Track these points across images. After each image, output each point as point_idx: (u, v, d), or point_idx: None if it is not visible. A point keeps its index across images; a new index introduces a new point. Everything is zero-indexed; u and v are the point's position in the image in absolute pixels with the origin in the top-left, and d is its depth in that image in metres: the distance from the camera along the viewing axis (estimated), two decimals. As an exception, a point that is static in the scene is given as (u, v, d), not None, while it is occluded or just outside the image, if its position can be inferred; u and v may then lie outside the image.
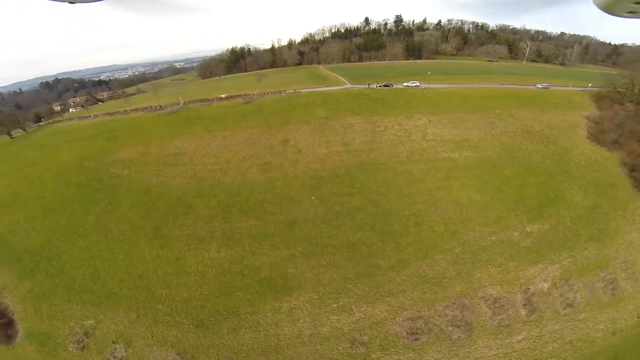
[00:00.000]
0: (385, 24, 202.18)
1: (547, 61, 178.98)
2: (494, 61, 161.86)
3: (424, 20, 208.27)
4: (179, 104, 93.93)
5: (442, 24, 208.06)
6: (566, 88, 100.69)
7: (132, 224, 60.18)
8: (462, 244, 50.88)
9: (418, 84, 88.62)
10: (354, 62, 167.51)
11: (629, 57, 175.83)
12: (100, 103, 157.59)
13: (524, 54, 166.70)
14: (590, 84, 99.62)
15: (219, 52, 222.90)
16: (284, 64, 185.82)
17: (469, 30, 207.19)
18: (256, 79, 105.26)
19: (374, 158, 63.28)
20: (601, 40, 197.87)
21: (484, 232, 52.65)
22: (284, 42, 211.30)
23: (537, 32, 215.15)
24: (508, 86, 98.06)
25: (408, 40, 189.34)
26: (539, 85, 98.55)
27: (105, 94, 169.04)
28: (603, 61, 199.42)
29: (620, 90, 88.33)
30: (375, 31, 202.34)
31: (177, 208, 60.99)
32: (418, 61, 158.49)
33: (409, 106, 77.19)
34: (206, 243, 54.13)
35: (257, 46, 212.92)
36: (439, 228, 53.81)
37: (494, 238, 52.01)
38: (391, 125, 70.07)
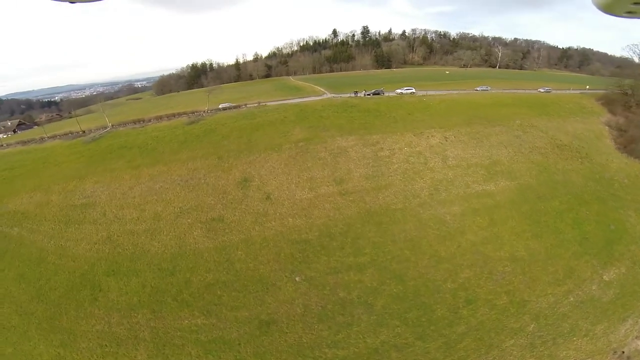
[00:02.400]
0: (353, 35, 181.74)
1: (507, 66, 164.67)
2: (467, 67, 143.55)
3: (390, 31, 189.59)
4: (105, 128, 64.38)
5: (407, 33, 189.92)
6: (567, 91, 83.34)
7: (20, 306, 34.45)
8: (535, 317, 31.23)
9: (414, 90, 65.09)
10: (326, 73, 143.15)
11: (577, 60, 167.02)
12: (35, 127, 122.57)
13: (496, 59, 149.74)
14: (587, 87, 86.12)
15: (180, 69, 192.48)
16: (250, 78, 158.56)
17: (432, 40, 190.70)
18: (206, 92, 77.66)
19: (384, 201, 38.14)
20: (551, 44, 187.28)
21: (558, 294, 33.12)
22: (250, 57, 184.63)
23: (494, 38, 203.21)
24: (510, 91, 77.55)
25: (377, 51, 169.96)
26: (541, 90, 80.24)
27: (43, 117, 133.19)
28: (556, 64, 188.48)
29: (628, 92, 73.89)
30: (344, 43, 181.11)
31: (81, 289, 34.69)
32: (395, 70, 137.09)
33: (413, 119, 52.89)
34: (129, 347, 29.30)
35: (220, 62, 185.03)
36: (501, 301, 31.94)
37: (571, 299, 33.29)
38: (398, 147, 45.22)
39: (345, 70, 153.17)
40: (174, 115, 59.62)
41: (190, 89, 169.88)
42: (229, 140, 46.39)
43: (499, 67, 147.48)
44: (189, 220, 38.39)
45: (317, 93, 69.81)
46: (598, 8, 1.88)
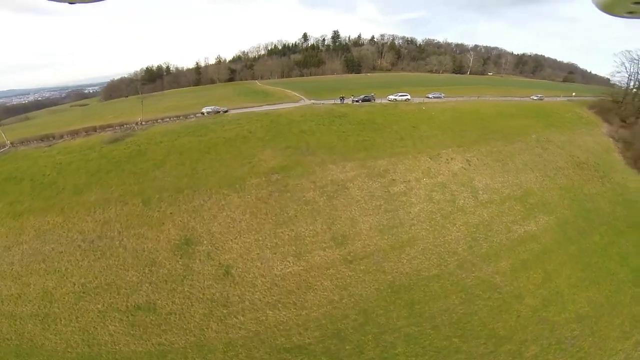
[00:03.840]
0: (324, 40, 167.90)
1: (470, 72, 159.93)
2: (439, 73, 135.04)
3: (359, 36, 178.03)
4: (3, 147, 44.22)
5: (375, 39, 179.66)
6: (557, 99, 75.10)
7: None
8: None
9: (409, 97, 51.47)
10: (296, 77, 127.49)
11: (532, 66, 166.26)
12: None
13: (467, 65, 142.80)
14: (574, 94, 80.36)
15: (134, 72, 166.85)
16: (211, 83, 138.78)
17: (400, 45, 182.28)
18: (138, 99, 59.25)
19: (411, 267, 24.60)
20: (508, 50, 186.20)
21: (628, 349, 23.88)
22: (212, 61, 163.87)
23: (457, 45, 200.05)
24: (505, 99, 66.96)
25: (347, 56, 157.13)
26: (534, 97, 71.84)
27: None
28: (513, 70, 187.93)
29: (619, 100, 68.77)
30: (314, 47, 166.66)
31: None
32: (369, 74, 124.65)
33: (421, 134, 39.16)
34: None
35: (179, 65, 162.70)
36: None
37: (640, 352, 21.70)
38: (415, 177, 31.29)
39: (315, 75, 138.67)
40: (94, 129, 40.83)
41: (144, 93, 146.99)
42: (164, 171, 29.41)
43: (469, 73, 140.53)
44: (98, 306, 21.64)
45: (292, 99, 54.05)
46: (598, 8, 1.78)
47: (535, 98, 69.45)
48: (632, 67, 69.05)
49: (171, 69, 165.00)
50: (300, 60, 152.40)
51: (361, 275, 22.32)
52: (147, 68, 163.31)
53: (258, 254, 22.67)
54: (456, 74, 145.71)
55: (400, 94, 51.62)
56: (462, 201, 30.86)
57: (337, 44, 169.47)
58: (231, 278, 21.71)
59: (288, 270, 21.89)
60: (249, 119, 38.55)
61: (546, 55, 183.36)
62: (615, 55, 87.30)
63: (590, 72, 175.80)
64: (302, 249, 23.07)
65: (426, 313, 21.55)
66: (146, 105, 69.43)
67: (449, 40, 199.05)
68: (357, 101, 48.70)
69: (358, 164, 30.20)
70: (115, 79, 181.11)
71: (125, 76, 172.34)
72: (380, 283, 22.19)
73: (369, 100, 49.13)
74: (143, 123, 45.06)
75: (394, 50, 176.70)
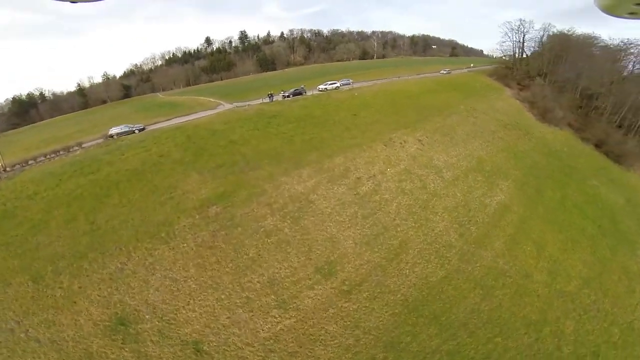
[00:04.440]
0: (230, 42, 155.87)
1: (372, 57, 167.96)
2: (350, 60, 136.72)
3: (268, 34, 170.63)
4: None
5: (285, 35, 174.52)
6: (461, 71, 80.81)
7: None
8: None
9: (339, 84, 47.32)
10: (206, 84, 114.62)
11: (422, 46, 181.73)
12: None
13: (373, 50, 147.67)
14: (472, 65, 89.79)
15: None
16: (102, 104, 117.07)
17: (309, 39, 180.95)
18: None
19: (416, 277, 20.15)
20: (401, 33, 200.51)
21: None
22: (98, 79, 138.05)
23: (358, 33, 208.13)
24: (418, 77, 68.42)
25: (259, 55, 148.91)
26: (443, 72, 74.94)
27: None
28: (406, 51, 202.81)
29: (510, 67, 77.61)
30: (221, 51, 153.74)
31: None
32: (286, 70, 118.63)
33: (366, 121, 35.20)
34: None
35: (58, 90, 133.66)
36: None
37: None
38: (378, 169, 27.05)
39: (227, 79, 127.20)
40: None
41: (15, 128, 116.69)
42: (49, 234, 19.35)
43: (375, 58, 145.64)
44: None
45: (207, 106, 44.88)
46: (600, 9, 1.77)
47: (444, 72, 72.71)
48: (514, 36, 77.40)
49: (47, 95, 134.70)
50: (207, 65, 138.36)
51: (367, 304, 16.88)
52: (13, 98, 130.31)
53: (229, 317, 15.32)
54: (362, 59, 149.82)
55: (329, 82, 46.98)
56: (432, 185, 27.62)
57: (246, 44, 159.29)
58: (208, 357, 14.03)
59: (278, 328, 15.19)
60: (156, 139, 28.99)
61: (431, 35, 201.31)
62: (499, 27, 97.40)
63: (467, 46, 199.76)
64: (285, 295, 16.49)
65: (455, 322, 17.28)
66: (14, 143, 52.46)
67: (351, 29, 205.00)
68: (287, 96, 42.24)
69: (314, 168, 24.27)
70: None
71: None
72: (392, 306, 17.10)
73: (300, 94, 43.20)
74: (7, 170, 31.69)
75: (304, 44, 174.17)
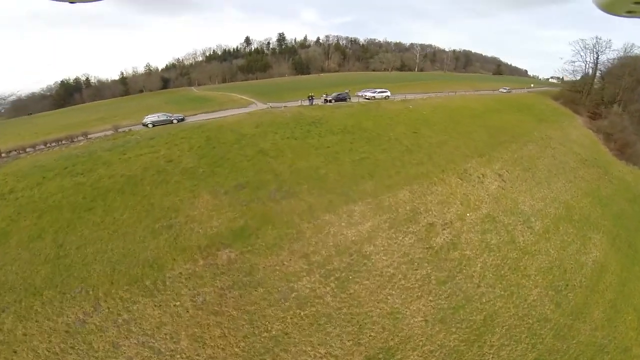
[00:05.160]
0: (268, 43, 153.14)
1: (412, 69, 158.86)
2: (388, 71, 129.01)
3: (305, 38, 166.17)
4: None
5: (321, 40, 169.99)
6: (522, 91, 71.37)
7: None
8: None
9: (389, 93, 39.98)
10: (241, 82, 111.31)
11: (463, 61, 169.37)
12: None
13: (414, 62, 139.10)
14: (532, 85, 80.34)
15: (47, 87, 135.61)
16: (140, 93, 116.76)
17: (345, 46, 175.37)
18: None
19: None
20: (441, 47, 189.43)
21: None
22: (141, 70, 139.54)
23: (395, 44, 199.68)
24: (476, 93, 59.91)
25: (295, 58, 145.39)
26: (502, 90, 63.89)
27: None
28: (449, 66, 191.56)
29: (580, 90, 65.79)
30: (259, 51, 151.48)
31: None
32: (322, 75, 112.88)
33: (430, 142, 27.62)
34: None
35: (102, 77, 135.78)
36: None
37: None
38: (455, 213, 18.83)
39: (262, 79, 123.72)
40: None
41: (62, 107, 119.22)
42: (6, 253, 13.50)
43: (417, 70, 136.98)
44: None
45: (239, 103, 39.02)
46: (598, 7, 1.76)
47: (505, 91, 63.20)
48: (588, 56, 66.68)
49: (92, 81, 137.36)
50: (244, 65, 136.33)
51: None
52: (62, 82, 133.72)
53: None
54: (400, 71, 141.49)
55: (379, 90, 39.75)
56: (522, 238, 19.70)
57: (283, 47, 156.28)
58: None
59: None
60: (169, 138, 22.99)
61: (473, 51, 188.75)
62: (570, 44, 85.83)
63: (511, 65, 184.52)
64: None
65: None
66: (38, 125, 49.24)
67: (389, 40, 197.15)
68: (329, 101, 35.47)
69: (370, 205, 17.01)
70: (23, 95, 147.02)
71: (36, 92, 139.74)
72: None
73: (344, 100, 36.33)
74: (2, 156, 26.96)
75: (339, 51, 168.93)
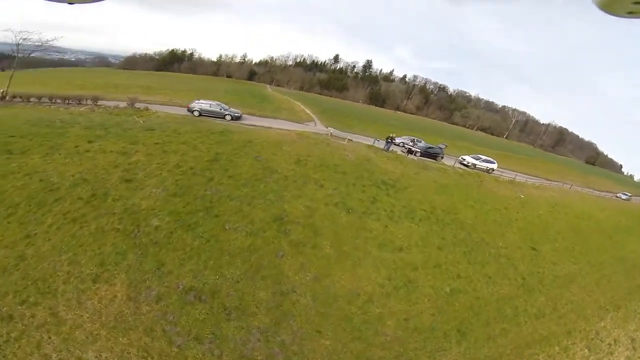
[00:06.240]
0: (354, 66, 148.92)
1: (492, 133, 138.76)
2: (473, 129, 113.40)
3: (391, 72, 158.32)
4: None
5: (407, 78, 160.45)
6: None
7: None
8: None
9: (495, 166, 28.27)
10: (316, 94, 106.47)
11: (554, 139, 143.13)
12: None
13: (507, 127, 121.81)
14: None
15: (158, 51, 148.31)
16: (227, 77, 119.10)
17: (431, 91, 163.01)
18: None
19: None
20: (535, 118, 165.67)
21: None
22: (237, 59, 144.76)
23: (486, 102, 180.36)
24: (594, 194, 44.76)
25: (374, 88, 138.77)
26: (621, 196, 47.70)
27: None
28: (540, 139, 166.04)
29: None
30: (342, 71, 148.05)
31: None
32: (399, 112, 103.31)
33: (555, 275, 15.55)
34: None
35: (203, 55, 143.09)
36: None
37: None
38: None
39: (336, 98, 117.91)
40: None
41: (161, 70, 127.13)
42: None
43: (506, 137, 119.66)
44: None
45: (298, 116, 30.71)
46: (598, 7, 1.62)
47: (624, 197, 47.03)
48: None
49: (194, 55, 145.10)
50: (324, 79, 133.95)
51: None
52: (172, 50, 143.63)
53: None
54: (484, 131, 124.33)
55: (483, 157, 28.40)
56: None
57: (367, 74, 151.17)
58: None
59: None
60: (164, 136, 14.87)
61: (569, 130, 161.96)
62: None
63: (607, 155, 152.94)
64: None
65: None
66: (91, 79, 46.54)
67: (480, 96, 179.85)
68: (413, 152, 25.28)
69: None
70: (138, 53, 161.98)
71: (149, 53, 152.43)
72: None
73: (434, 156, 25.89)
74: (6, 98, 21.59)
75: (423, 94, 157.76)
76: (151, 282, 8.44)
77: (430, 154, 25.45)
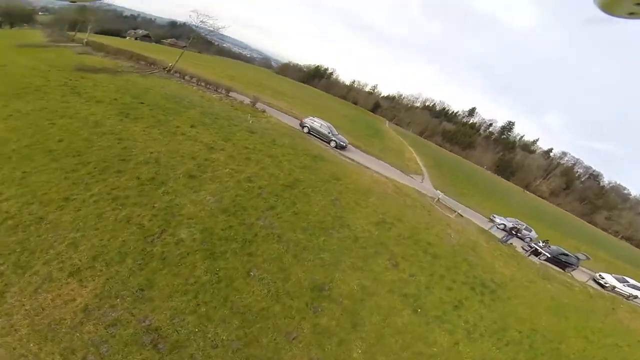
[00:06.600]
0: (490, 124, 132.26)
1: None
2: (616, 236, 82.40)
3: (535, 141, 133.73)
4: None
5: (552, 153, 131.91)
6: None
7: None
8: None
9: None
10: (435, 144, 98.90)
11: None
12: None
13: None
14: None
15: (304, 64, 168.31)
16: (355, 102, 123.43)
17: (578, 176, 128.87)
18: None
19: None
20: None
21: None
22: (368, 88, 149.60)
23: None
24: None
25: (506, 155, 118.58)
26: None
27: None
28: None
29: None
30: (474, 126, 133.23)
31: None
32: (527, 192, 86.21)
33: None
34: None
35: (340, 77, 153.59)
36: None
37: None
38: None
39: (457, 154, 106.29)
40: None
41: (302, 82, 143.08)
42: None
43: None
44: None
45: (406, 165, 26.89)
46: (599, 8, 1.69)
47: None
48: None
49: (333, 75, 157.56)
50: (450, 130, 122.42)
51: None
52: (317, 66, 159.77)
53: None
54: (631, 243, 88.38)
55: (629, 281, 18.26)
56: None
57: (503, 136, 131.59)
58: None
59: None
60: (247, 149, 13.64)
61: None
62: None
63: None
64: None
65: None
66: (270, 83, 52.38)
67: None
68: (537, 253, 18.26)
69: None
70: (292, 63, 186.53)
71: (298, 64, 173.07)
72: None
73: (568, 267, 18.13)
74: (169, 70, 25.81)
75: (566, 177, 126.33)
76: (120, 302, 6.58)
77: (560, 261, 17.76)
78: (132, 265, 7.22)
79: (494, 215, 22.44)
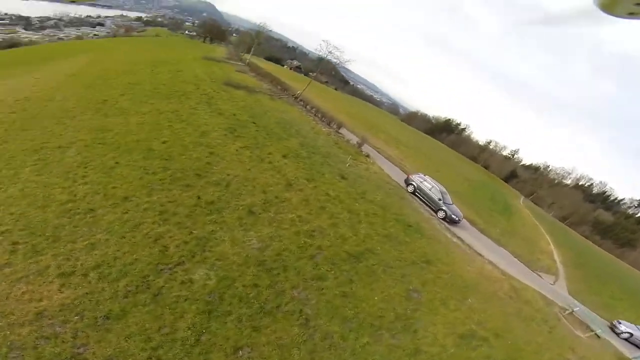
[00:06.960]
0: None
1: None
2: None
3: None
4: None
5: None
6: None
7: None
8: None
9: None
10: (584, 236, 75.36)
11: None
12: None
13: None
14: None
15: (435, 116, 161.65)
16: (483, 165, 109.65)
17: None
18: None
19: None
20: None
21: None
22: (505, 152, 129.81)
23: None
24: None
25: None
26: None
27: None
28: None
29: None
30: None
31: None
32: None
33: None
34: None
35: (473, 134, 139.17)
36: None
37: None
38: None
39: (612, 253, 77.69)
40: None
41: (428, 134, 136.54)
42: None
43: None
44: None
45: (535, 259, 19.49)
46: (599, 8, 1.64)
47: None
48: None
49: (465, 131, 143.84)
50: (605, 221, 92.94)
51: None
52: (448, 119, 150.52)
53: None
54: None
55: None
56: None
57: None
58: None
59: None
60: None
61: None
62: None
63: None
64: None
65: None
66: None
67: None
68: None
69: None
70: (420, 113, 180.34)
71: (427, 115, 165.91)
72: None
73: None
74: (296, 97, 27.56)
75: None
76: (77, 321, 5.40)
77: None
78: (121, 289, 6.20)
79: (620, 322, 13.89)
